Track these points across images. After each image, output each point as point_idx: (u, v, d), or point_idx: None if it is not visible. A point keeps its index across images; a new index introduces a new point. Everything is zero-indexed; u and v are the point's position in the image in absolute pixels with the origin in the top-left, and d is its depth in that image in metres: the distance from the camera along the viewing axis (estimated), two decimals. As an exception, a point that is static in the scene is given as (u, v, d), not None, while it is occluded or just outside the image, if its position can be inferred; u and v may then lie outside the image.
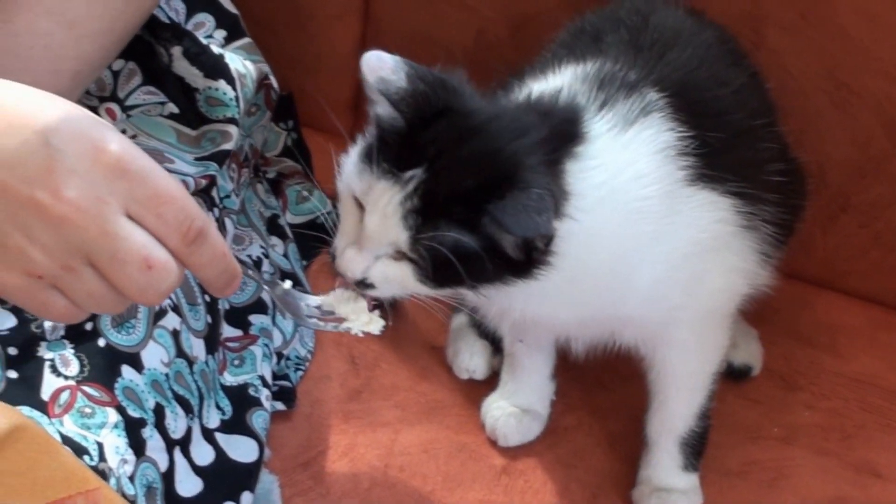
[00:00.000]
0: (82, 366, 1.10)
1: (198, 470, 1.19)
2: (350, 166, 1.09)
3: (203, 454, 1.21)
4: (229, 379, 1.30)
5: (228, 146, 1.33)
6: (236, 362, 1.32)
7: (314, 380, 1.41)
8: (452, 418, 1.40)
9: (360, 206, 1.07)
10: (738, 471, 1.38)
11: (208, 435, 1.23)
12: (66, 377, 1.09)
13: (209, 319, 1.27)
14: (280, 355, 1.39)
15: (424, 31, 1.60)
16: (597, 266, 1.11)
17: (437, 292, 1.10)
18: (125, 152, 0.84)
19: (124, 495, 1.04)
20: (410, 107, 1.05)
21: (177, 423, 1.17)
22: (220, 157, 1.32)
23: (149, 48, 1.31)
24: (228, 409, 1.27)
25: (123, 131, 1.26)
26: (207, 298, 1.28)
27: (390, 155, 1.05)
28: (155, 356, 1.16)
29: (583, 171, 1.08)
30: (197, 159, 1.31)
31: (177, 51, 1.31)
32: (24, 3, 1.14)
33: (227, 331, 1.33)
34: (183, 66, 1.31)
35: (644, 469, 1.34)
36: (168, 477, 1.13)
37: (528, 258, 1.06)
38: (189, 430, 1.19)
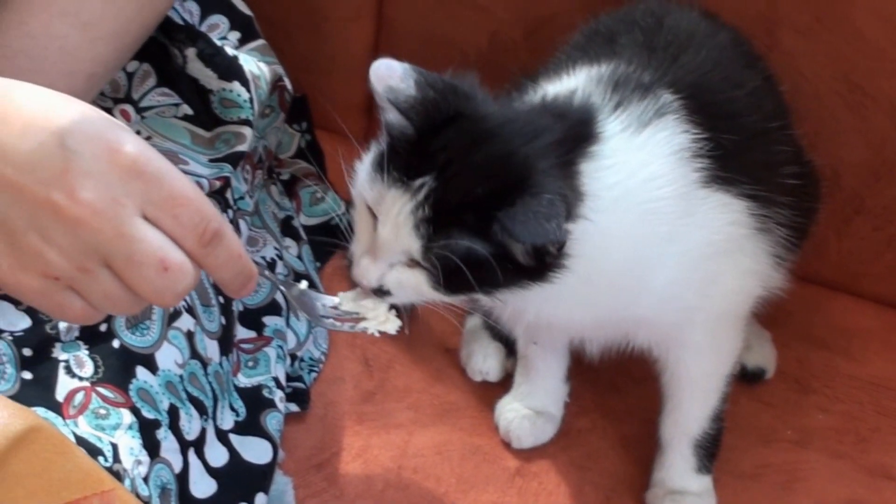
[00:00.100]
0: (97, 367, 1.10)
1: (212, 471, 1.19)
2: (363, 174, 1.08)
3: (217, 455, 1.21)
4: (243, 380, 1.30)
5: (243, 148, 1.33)
6: (250, 364, 1.32)
7: (328, 381, 1.41)
8: (466, 420, 1.40)
9: (374, 215, 1.07)
10: (751, 473, 1.37)
11: (222, 436, 1.23)
12: (81, 378, 1.09)
13: (223, 321, 1.27)
14: (294, 357, 1.39)
15: (438, 33, 1.60)
16: (611, 266, 1.11)
17: (451, 299, 1.10)
18: (141, 154, 0.84)
19: (139, 496, 1.05)
20: (420, 114, 1.05)
21: (191, 424, 1.17)
22: (235, 159, 1.32)
23: (163, 50, 1.31)
24: (242, 410, 1.28)
25: (138, 133, 1.26)
26: (221, 300, 1.28)
27: (400, 163, 1.05)
28: (169, 357, 1.16)
29: (597, 171, 1.08)
30: (211, 161, 1.31)
31: (191, 52, 1.31)
32: (39, 4, 1.14)
33: (241, 332, 1.34)
34: (197, 68, 1.32)
35: (658, 471, 1.34)
36: (182, 478, 1.13)
37: (541, 263, 1.06)
38: (203, 432, 1.19)
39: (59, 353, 1.10)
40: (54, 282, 0.85)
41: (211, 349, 1.24)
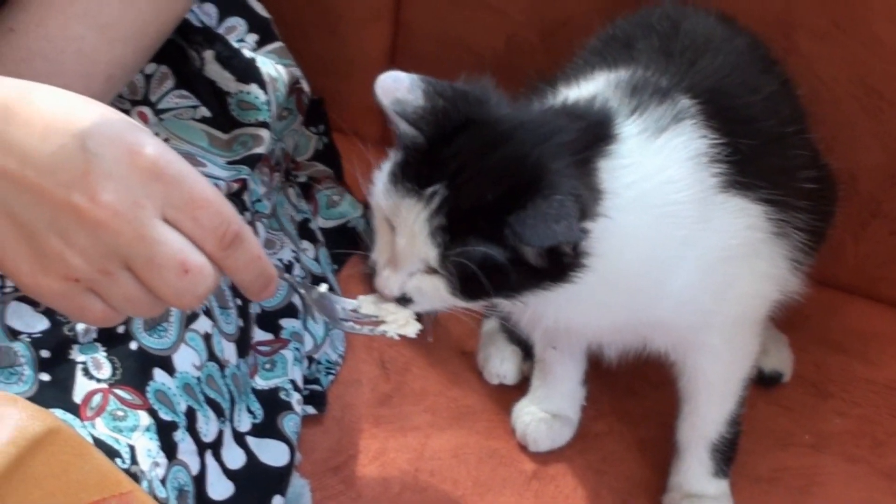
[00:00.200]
0: (114, 369, 1.11)
1: (229, 473, 1.19)
2: (379, 186, 1.08)
3: (234, 458, 1.21)
4: (260, 383, 1.30)
5: (260, 150, 1.33)
6: (267, 366, 1.32)
7: (345, 384, 1.41)
8: (483, 423, 1.40)
9: (392, 226, 1.07)
10: (768, 477, 1.37)
11: (239, 438, 1.23)
12: (99, 380, 1.09)
13: (240, 323, 1.27)
14: (311, 359, 1.39)
15: (455, 36, 1.60)
16: (629, 268, 1.11)
17: (471, 304, 1.10)
18: (161, 156, 0.84)
19: (156, 498, 1.05)
20: (430, 124, 1.05)
21: (208, 426, 1.17)
22: (252, 161, 1.32)
23: (181, 52, 1.31)
24: (259, 412, 1.28)
25: (156, 135, 1.26)
26: (239, 302, 1.28)
27: (412, 173, 1.05)
28: (186, 359, 1.17)
29: (615, 170, 1.08)
30: (229, 163, 1.31)
31: (209, 54, 1.31)
32: (57, 6, 1.15)
33: (259, 335, 1.34)
34: (215, 70, 1.32)
35: (674, 475, 1.33)
36: (199, 480, 1.14)
37: (559, 264, 1.06)
38: (220, 434, 1.19)
39: (77, 355, 1.10)
40: (75, 284, 0.85)
41: (228, 351, 1.24)
